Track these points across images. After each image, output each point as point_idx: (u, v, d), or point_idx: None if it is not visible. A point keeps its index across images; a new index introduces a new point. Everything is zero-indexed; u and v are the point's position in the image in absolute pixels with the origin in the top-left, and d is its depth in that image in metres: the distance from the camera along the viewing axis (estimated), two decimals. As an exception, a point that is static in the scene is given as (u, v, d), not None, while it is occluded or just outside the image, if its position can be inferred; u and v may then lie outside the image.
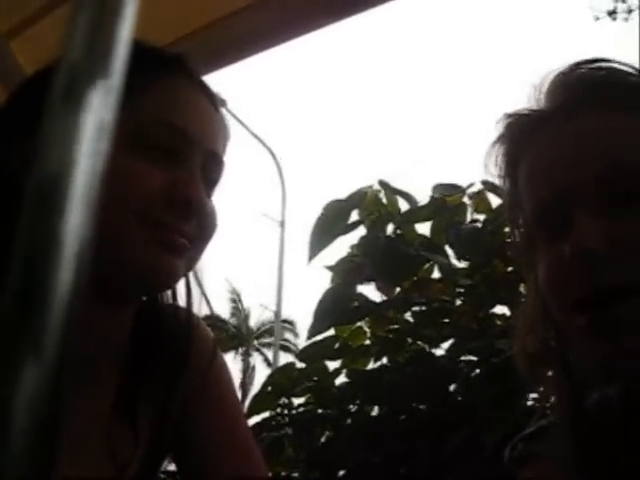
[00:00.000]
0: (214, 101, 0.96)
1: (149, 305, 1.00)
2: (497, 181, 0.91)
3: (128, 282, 0.88)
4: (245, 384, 24.05)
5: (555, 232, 0.78)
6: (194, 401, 0.99)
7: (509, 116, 0.87)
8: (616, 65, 0.83)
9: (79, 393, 0.88)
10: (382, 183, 2.07)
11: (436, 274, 2.04)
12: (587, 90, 0.81)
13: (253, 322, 26.75)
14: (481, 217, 2.03)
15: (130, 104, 0.87)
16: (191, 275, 1.00)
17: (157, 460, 0.99)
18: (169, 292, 1.00)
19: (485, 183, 2.01)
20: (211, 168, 0.93)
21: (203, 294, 1.00)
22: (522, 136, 0.85)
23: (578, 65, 0.84)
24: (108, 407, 0.93)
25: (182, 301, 1.00)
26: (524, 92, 0.87)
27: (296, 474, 2.18)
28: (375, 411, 2.07)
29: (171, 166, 0.88)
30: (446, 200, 2.02)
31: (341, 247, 2.14)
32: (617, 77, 0.82)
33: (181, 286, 1.00)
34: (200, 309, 1.03)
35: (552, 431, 0.90)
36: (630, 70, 0.82)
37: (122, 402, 0.94)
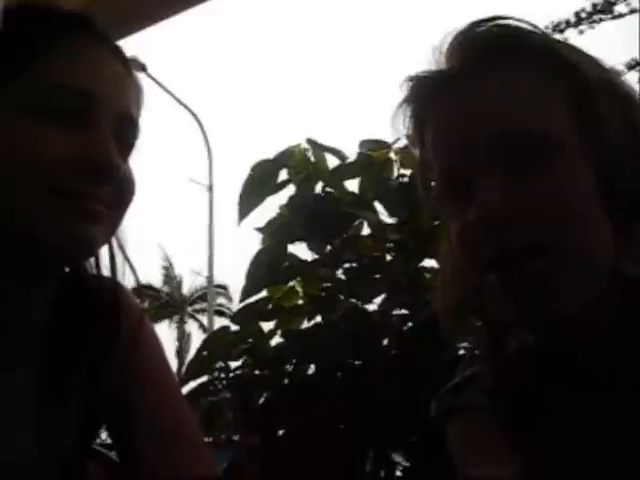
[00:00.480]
0: (125, 62, 0.93)
1: (72, 276, 0.97)
2: (406, 140, 0.92)
3: (44, 255, 0.86)
4: (182, 352, 23.97)
5: (461, 194, 0.79)
6: (125, 371, 0.98)
7: (412, 78, 0.87)
8: (514, 22, 0.83)
9: (5, 373, 0.86)
10: (310, 141, 2.06)
11: (366, 230, 2.05)
12: (485, 48, 0.81)
13: (186, 289, 26.59)
14: (407, 172, 2.04)
15: (32, 67, 0.84)
16: (115, 243, 0.97)
17: (91, 434, 0.98)
18: (92, 262, 0.98)
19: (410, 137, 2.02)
20: (125, 131, 0.90)
21: (128, 262, 0.98)
22: (425, 98, 0.85)
23: (476, 24, 0.84)
24: (36, 386, 0.90)
25: (107, 270, 0.98)
26: (425, 54, 0.87)
27: (236, 437, 2.19)
28: (312, 370, 2.08)
29: (80, 131, 0.84)
30: (373, 156, 2.02)
31: (271, 209, 2.13)
32: (513, 34, 0.82)
33: (105, 255, 0.98)
34: (125, 278, 1.01)
35: (475, 381, 0.92)
36: (527, 27, 0.83)
37: (52, 377, 0.92)
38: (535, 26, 0.83)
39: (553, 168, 0.76)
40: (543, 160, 0.76)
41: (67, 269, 0.97)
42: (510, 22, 0.83)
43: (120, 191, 0.89)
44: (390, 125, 0.91)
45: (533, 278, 0.76)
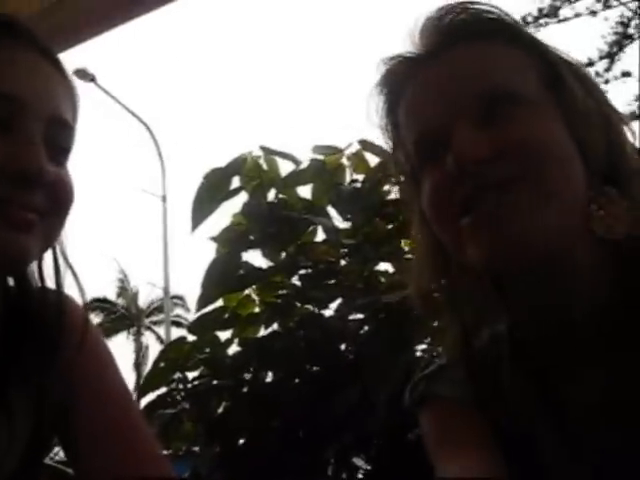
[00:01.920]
0: (56, 64, 0.90)
1: (16, 289, 0.95)
2: (378, 129, 0.93)
3: None
4: (139, 364, 23.69)
5: (436, 156, 0.81)
6: (72, 382, 0.96)
7: (386, 61, 0.89)
8: (480, 6, 0.87)
9: None
10: (263, 148, 2.05)
11: (320, 236, 2.05)
12: (457, 27, 0.85)
13: (142, 300, 26.31)
14: (360, 177, 2.05)
15: None
16: (59, 253, 0.95)
17: (40, 449, 0.96)
18: (36, 273, 0.96)
19: (362, 142, 2.03)
20: (57, 135, 0.87)
21: (72, 272, 0.96)
22: (400, 78, 0.88)
23: (446, 8, 0.87)
24: None
25: (51, 281, 0.96)
26: (399, 37, 0.89)
27: (196, 448, 2.17)
28: (270, 377, 2.07)
29: (6, 137, 0.82)
30: (325, 162, 2.02)
31: (224, 218, 2.12)
32: (483, 14, 0.87)
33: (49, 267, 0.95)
34: (82, 294, 0.99)
35: (448, 370, 0.93)
36: (493, 9, 0.87)
37: None
38: (501, 9, 0.87)
39: (524, 118, 0.80)
40: (514, 113, 0.80)
41: (11, 282, 0.95)
42: (479, 6, 0.87)
43: (53, 198, 0.86)
44: (364, 110, 0.93)
45: (509, 207, 0.77)
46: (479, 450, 0.85)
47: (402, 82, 0.87)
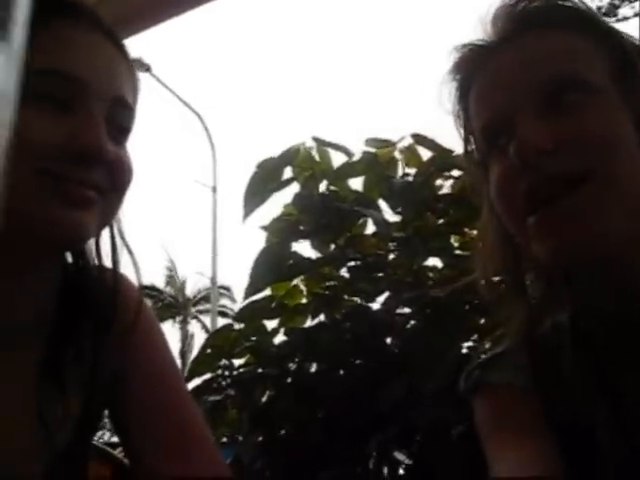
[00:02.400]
0: (118, 45, 0.92)
1: (74, 267, 0.97)
2: (450, 115, 0.93)
3: (33, 241, 0.85)
4: (185, 352, 23.95)
5: (504, 143, 0.81)
6: (124, 361, 0.98)
7: (459, 48, 0.90)
8: None
9: (5, 360, 0.85)
10: (316, 139, 2.06)
11: (370, 229, 2.05)
12: (529, 16, 0.85)
13: (189, 290, 26.58)
14: (412, 171, 2.04)
15: None
16: (117, 235, 0.97)
17: (90, 426, 0.97)
18: (94, 252, 0.98)
19: (415, 136, 2.02)
20: (118, 115, 0.89)
21: (129, 252, 0.98)
22: (472, 65, 0.88)
23: None
24: (36, 373, 0.90)
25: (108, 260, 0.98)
26: (470, 27, 0.90)
27: (240, 435, 2.18)
28: (314, 368, 2.08)
29: (68, 115, 0.84)
30: (378, 155, 2.02)
31: (274, 208, 2.13)
32: (555, 3, 0.87)
33: (107, 246, 0.97)
34: (137, 277, 1.00)
35: (507, 357, 0.92)
36: None
37: (51, 367, 0.91)
38: None
39: (593, 110, 0.79)
40: (583, 104, 0.79)
41: (70, 259, 0.97)
42: None
43: (112, 176, 0.87)
44: (437, 96, 0.94)
45: (575, 206, 0.77)
46: (534, 438, 0.84)
47: (473, 69, 0.88)
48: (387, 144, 2.04)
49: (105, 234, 0.96)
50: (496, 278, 0.93)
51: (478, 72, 0.87)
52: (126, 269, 1.00)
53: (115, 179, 0.88)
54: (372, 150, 2.04)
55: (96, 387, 0.94)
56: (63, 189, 0.82)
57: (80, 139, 0.83)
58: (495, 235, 0.90)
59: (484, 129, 0.85)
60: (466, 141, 0.93)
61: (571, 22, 0.84)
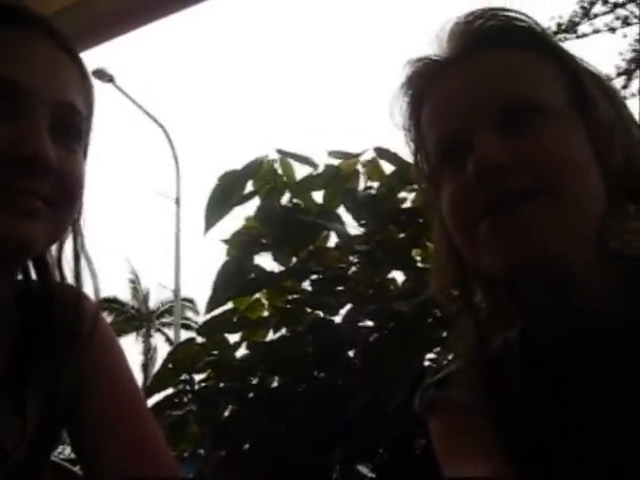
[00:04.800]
0: (69, 52, 0.89)
1: (34, 283, 0.95)
2: (400, 130, 0.93)
3: None
4: (147, 365, 23.74)
5: (457, 161, 0.81)
6: (82, 375, 0.96)
7: (412, 63, 0.90)
8: (509, 13, 0.88)
9: None
10: (280, 150, 2.06)
11: (332, 242, 2.05)
12: (484, 34, 0.86)
13: (153, 302, 26.36)
14: (375, 184, 2.05)
15: None
16: (80, 247, 0.95)
17: (47, 442, 0.96)
18: (56, 269, 0.96)
19: (378, 150, 2.03)
20: (64, 120, 0.86)
21: (90, 267, 0.96)
22: (425, 80, 0.88)
23: (474, 14, 0.88)
24: None
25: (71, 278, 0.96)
26: (424, 42, 0.90)
27: (202, 450, 2.17)
28: (277, 382, 2.07)
29: (13, 123, 0.81)
30: (340, 168, 2.02)
31: (236, 221, 2.12)
32: (511, 22, 0.87)
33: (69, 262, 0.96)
34: (95, 292, 0.99)
35: (460, 375, 0.93)
36: (521, 16, 0.87)
37: (9, 384, 0.89)
38: (531, 18, 0.88)
39: (549, 130, 0.80)
40: (539, 124, 0.80)
41: (32, 273, 0.96)
42: (507, 13, 0.87)
43: (60, 184, 0.85)
44: (388, 110, 0.93)
45: (527, 216, 0.77)
46: (488, 456, 0.85)
47: (427, 84, 0.88)
48: (350, 156, 2.05)
49: (68, 248, 0.95)
50: (450, 292, 0.93)
51: (432, 87, 0.87)
52: (85, 283, 0.99)
53: (62, 189, 0.85)
54: (335, 162, 2.04)
55: (55, 404, 0.93)
56: (8, 199, 0.80)
57: (24, 147, 0.80)
58: (445, 250, 0.90)
59: (437, 145, 0.85)
60: (415, 156, 0.93)
61: (527, 43, 0.85)
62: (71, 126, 0.88)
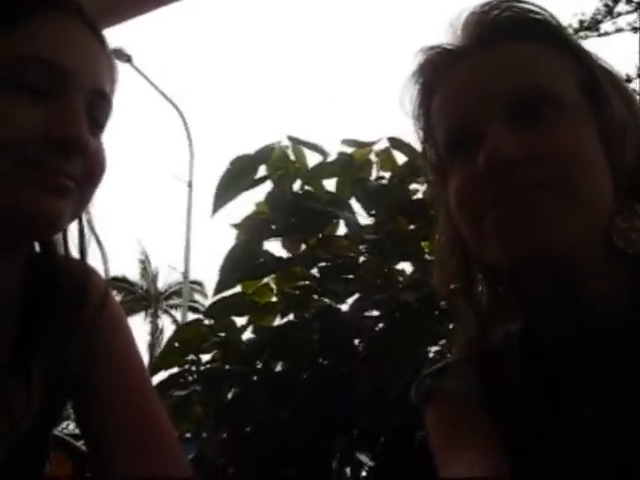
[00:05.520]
0: (99, 37, 0.91)
1: (41, 255, 0.97)
2: (410, 118, 0.93)
3: (9, 226, 0.84)
4: (154, 345, 23.84)
5: (467, 153, 0.81)
6: (89, 350, 0.97)
7: (425, 51, 0.89)
8: (526, 5, 0.87)
9: None
10: (291, 138, 2.06)
11: (342, 230, 2.05)
12: (499, 26, 0.85)
13: (161, 283, 26.45)
14: (387, 174, 2.05)
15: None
16: (85, 223, 0.97)
17: (52, 415, 0.97)
18: (61, 242, 0.97)
19: (391, 140, 2.03)
20: (96, 107, 0.89)
21: (98, 244, 0.97)
22: (437, 69, 0.87)
23: (491, 3, 0.87)
24: (2, 360, 0.90)
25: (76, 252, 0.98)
26: (438, 31, 0.89)
27: (204, 431, 2.18)
28: (280, 367, 2.08)
29: (50, 104, 0.83)
30: (353, 156, 2.02)
31: (248, 206, 2.13)
32: (526, 14, 0.86)
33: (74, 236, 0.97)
34: (104, 269, 1.00)
35: (458, 366, 0.93)
36: (538, 9, 0.87)
37: (16, 355, 0.91)
38: (547, 11, 0.87)
39: (561, 124, 0.80)
40: (551, 117, 0.80)
41: (37, 248, 0.97)
42: (524, 5, 0.87)
43: (89, 167, 0.87)
44: (399, 98, 0.93)
45: (535, 209, 0.77)
46: (483, 448, 0.85)
47: (439, 72, 0.87)
48: (363, 145, 2.05)
49: (72, 225, 0.96)
50: (452, 284, 0.93)
51: (444, 77, 0.86)
52: (94, 261, 1.00)
53: (91, 171, 0.88)
54: (348, 151, 2.04)
55: (60, 377, 0.94)
56: (42, 177, 0.82)
57: (62, 129, 0.82)
58: (450, 241, 0.90)
59: (447, 135, 0.85)
60: (424, 145, 0.93)
61: (542, 36, 0.84)
62: (101, 113, 0.90)
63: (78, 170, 0.85)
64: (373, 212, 1.97)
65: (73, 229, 0.96)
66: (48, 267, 0.96)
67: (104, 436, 0.96)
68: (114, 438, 0.95)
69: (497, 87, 0.81)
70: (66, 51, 0.86)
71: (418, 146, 0.96)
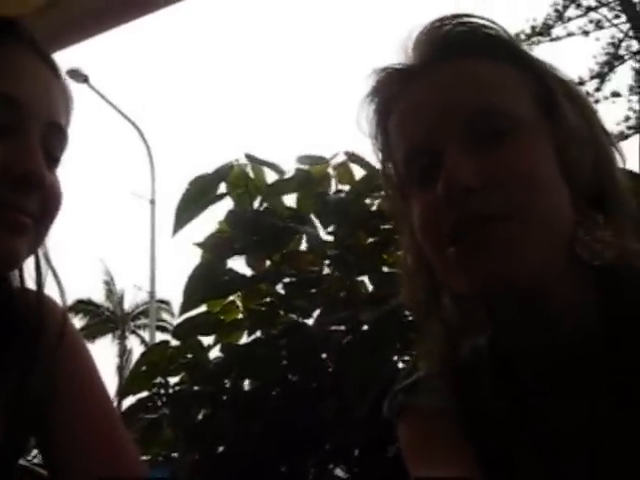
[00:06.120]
0: (52, 67, 0.90)
1: None
2: (368, 138, 0.93)
3: None
4: (122, 368, 23.56)
5: (426, 175, 0.81)
6: (50, 381, 0.96)
7: (378, 72, 0.89)
8: (477, 19, 0.87)
9: None
10: (248, 156, 2.06)
11: (304, 245, 2.05)
12: (451, 42, 0.84)
13: (128, 304, 26.18)
14: (345, 188, 2.06)
15: None
16: (41, 255, 0.96)
17: (16, 446, 0.95)
18: (17, 274, 0.96)
19: (349, 154, 2.04)
20: (52, 140, 0.88)
21: (54, 275, 0.96)
22: (391, 89, 0.87)
23: (442, 20, 0.86)
24: None
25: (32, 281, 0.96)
26: (391, 48, 0.89)
27: (175, 454, 2.16)
28: (250, 385, 2.07)
29: (5, 139, 0.82)
30: (311, 171, 2.03)
31: (210, 225, 2.13)
32: (478, 29, 0.86)
33: (30, 267, 0.96)
34: (62, 299, 0.99)
35: (429, 381, 0.93)
36: (489, 24, 0.86)
37: None
38: (498, 25, 0.87)
39: (517, 144, 0.79)
40: (507, 137, 0.79)
41: None
42: (475, 20, 0.86)
43: (46, 203, 0.86)
44: (355, 118, 0.92)
45: (495, 241, 0.77)
46: (456, 462, 0.85)
47: (394, 93, 0.86)
48: (319, 161, 2.06)
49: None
50: (420, 299, 0.93)
51: (399, 97, 0.86)
52: (51, 291, 0.99)
53: (48, 206, 0.87)
54: (305, 167, 2.05)
55: (22, 408, 0.93)
56: (2, 215, 0.81)
57: (21, 165, 0.82)
58: (415, 260, 0.90)
59: (406, 159, 0.84)
60: (384, 165, 0.93)
61: (494, 51, 0.84)
62: (57, 146, 0.89)
63: (35, 206, 0.84)
64: (332, 229, 1.98)
65: (29, 261, 0.95)
66: (3, 300, 0.95)
67: (66, 464, 0.94)
68: (76, 466, 0.94)
69: (452, 107, 0.81)
70: (22, 85, 0.85)
71: (374, 161, 0.96)
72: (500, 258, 0.77)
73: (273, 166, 2.04)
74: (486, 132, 0.80)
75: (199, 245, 2.05)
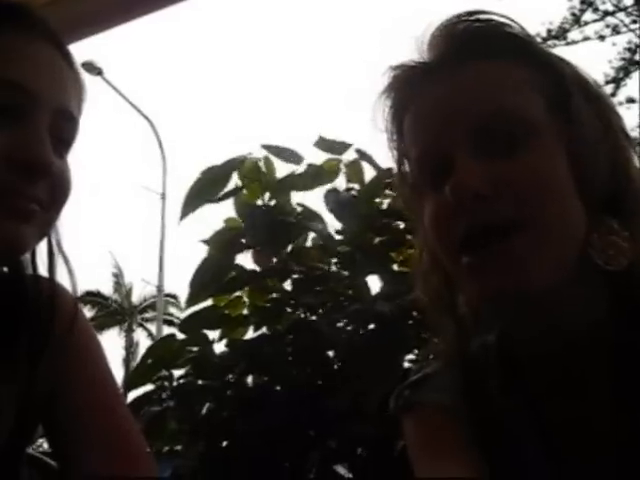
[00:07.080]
0: (66, 56, 0.90)
1: (8, 275, 0.96)
2: (383, 134, 0.92)
3: None
4: (129, 360, 23.63)
5: (438, 178, 0.80)
6: (60, 369, 0.96)
7: (394, 68, 0.88)
8: (494, 17, 0.85)
9: None
10: (265, 146, 2.05)
11: (310, 242, 2.05)
12: (468, 41, 0.83)
13: (136, 297, 26.23)
14: (356, 185, 2.06)
15: None
16: (54, 243, 0.96)
17: (25, 435, 0.96)
18: (29, 262, 0.96)
19: (360, 152, 2.03)
20: (61, 127, 0.87)
21: (66, 263, 0.96)
22: (407, 87, 0.86)
23: (459, 17, 0.85)
24: None
25: (44, 271, 0.96)
26: (408, 45, 0.88)
27: (179, 447, 2.17)
28: (254, 381, 2.07)
29: (13, 126, 0.82)
30: (322, 167, 2.03)
31: (217, 222, 2.13)
32: (495, 28, 0.85)
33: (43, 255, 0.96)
34: (73, 288, 0.99)
35: (437, 377, 0.93)
36: (506, 21, 0.85)
37: None
38: (516, 23, 0.85)
39: (530, 150, 0.78)
40: (520, 142, 0.78)
41: (4, 268, 0.95)
42: (492, 17, 0.85)
43: (54, 190, 0.86)
44: (370, 115, 0.91)
45: (506, 256, 0.76)
46: (462, 460, 0.84)
47: (409, 91, 0.85)
48: (338, 146, 2.04)
49: (41, 244, 0.95)
50: (434, 297, 0.93)
51: (414, 95, 0.85)
52: (64, 279, 0.99)
53: (56, 193, 0.87)
54: (320, 159, 2.04)
55: (32, 396, 0.93)
56: (7, 202, 0.81)
57: (27, 152, 0.81)
58: (429, 259, 0.89)
59: (419, 159, 0.83)
60: (399, 163, 0.92)
61: (512, 51, 0.83)
62: (67, 133, 0.89)
63: (43, 193, 0.84)
64: (341, 227, 1.97)
65: (42, 248, 0.96)
66: (16, 287, 0.95)
67: (74, 453, 0.94)
68: (83, 456, 0.94)
69: (464, 111, 0.79)
70: (33, 73, 0.85)
71: (382, 161, 0.96)
72: (513, 272, 0.76)
73: (289, 154, 2.03)
74: (498, 137, 0.78)
75: (207, 242, 2.05)
